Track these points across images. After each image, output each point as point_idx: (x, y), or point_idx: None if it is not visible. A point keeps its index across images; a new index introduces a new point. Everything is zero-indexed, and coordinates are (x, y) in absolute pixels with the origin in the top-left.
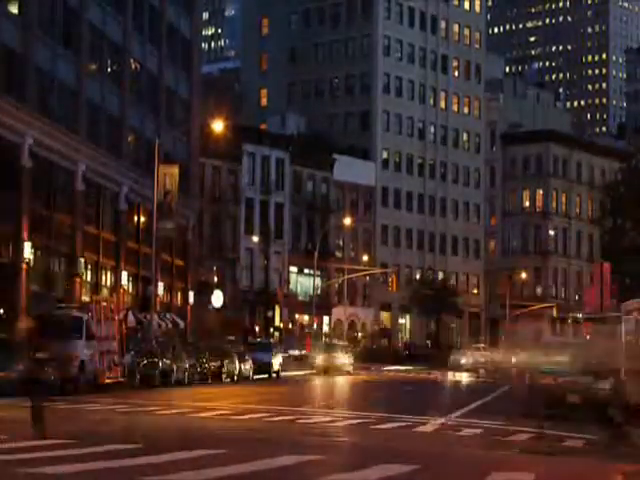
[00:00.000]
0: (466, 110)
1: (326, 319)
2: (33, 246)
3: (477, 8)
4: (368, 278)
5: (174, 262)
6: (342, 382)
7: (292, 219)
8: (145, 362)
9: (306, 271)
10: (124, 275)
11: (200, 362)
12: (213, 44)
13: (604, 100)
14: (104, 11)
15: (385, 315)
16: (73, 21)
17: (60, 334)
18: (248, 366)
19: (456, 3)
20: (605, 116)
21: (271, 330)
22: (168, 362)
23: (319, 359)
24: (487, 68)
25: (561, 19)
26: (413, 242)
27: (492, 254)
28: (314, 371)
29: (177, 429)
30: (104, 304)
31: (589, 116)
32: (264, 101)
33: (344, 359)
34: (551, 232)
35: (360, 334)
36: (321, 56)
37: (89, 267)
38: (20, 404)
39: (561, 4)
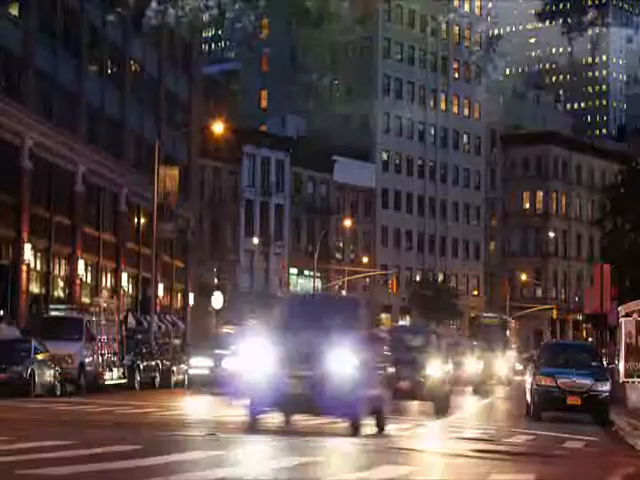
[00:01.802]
0: (466, 112)
1: None
2: (33, 247)
3: (477, 10)
4: (368, 280)
5: (174, 263)
6: None
7: (292, 221)
8: (145, 364)
9: (306, 273)
10: (124, 276)
11: None
12: (213, 46)
13: (604, 102)
14: (104, 13)
15: (385, 317)
16: (73, 23)
17: (60, 335)
18: None
19: (457, 5)
20: (605, 118)
21: None
22: (168, 364)
23: None
24: (487, 70)
25: (561, 21)
26: (413, 244)
27: (492, 256)
28: None
29: (179, 430)
30: (104, 305)
31: (589, 118)
32: (264, 103)
33: None
34: (551, 234)
35: None
36: (321, 58)
37: (89, 269)
38: (20, 405)
39: (561, 6)
